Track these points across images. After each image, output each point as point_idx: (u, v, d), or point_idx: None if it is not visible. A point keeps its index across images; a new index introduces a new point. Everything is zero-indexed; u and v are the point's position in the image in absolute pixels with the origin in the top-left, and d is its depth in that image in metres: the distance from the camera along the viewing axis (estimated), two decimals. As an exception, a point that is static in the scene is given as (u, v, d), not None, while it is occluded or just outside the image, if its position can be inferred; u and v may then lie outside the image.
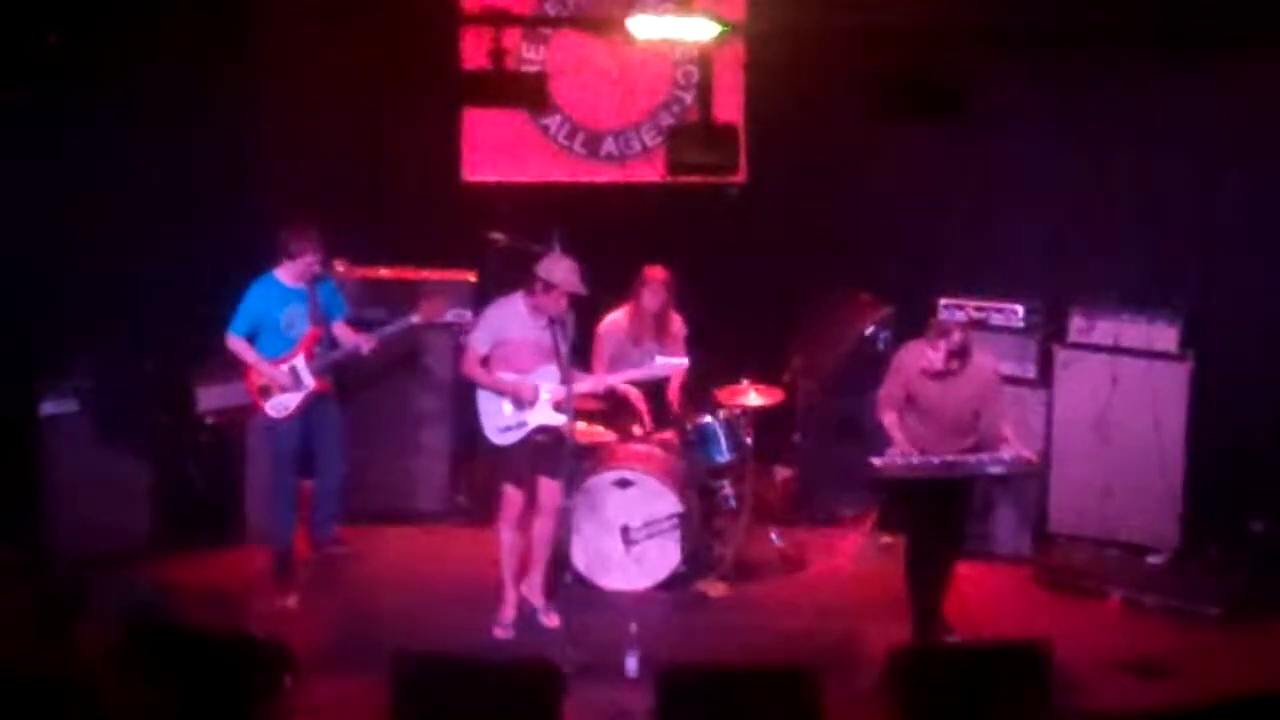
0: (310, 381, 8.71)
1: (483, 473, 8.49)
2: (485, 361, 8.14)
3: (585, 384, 8.31)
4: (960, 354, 7.75)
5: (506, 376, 8.11)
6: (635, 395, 9.16)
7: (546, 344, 8.07)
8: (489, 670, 6.10)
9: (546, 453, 8.15)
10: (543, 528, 8.31)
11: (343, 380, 9.00)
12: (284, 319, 8.67)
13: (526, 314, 8.11)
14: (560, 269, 8.02)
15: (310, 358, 8.72)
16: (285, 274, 8.68)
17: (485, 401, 8.17)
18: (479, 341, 8.17)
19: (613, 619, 8.21)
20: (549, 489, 8.22)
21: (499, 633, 8.20)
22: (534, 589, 8.40)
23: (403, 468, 9.65)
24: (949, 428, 7.92)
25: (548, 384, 8.08)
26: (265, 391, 8.69)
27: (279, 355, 8.67)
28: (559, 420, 8.06)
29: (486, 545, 8.55)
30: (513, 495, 8.20)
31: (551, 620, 8.28)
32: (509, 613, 8.25)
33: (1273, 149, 9.13)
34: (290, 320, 8.69)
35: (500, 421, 8.14)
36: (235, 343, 8.65)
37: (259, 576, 8.78)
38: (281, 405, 8.70)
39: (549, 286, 7.99)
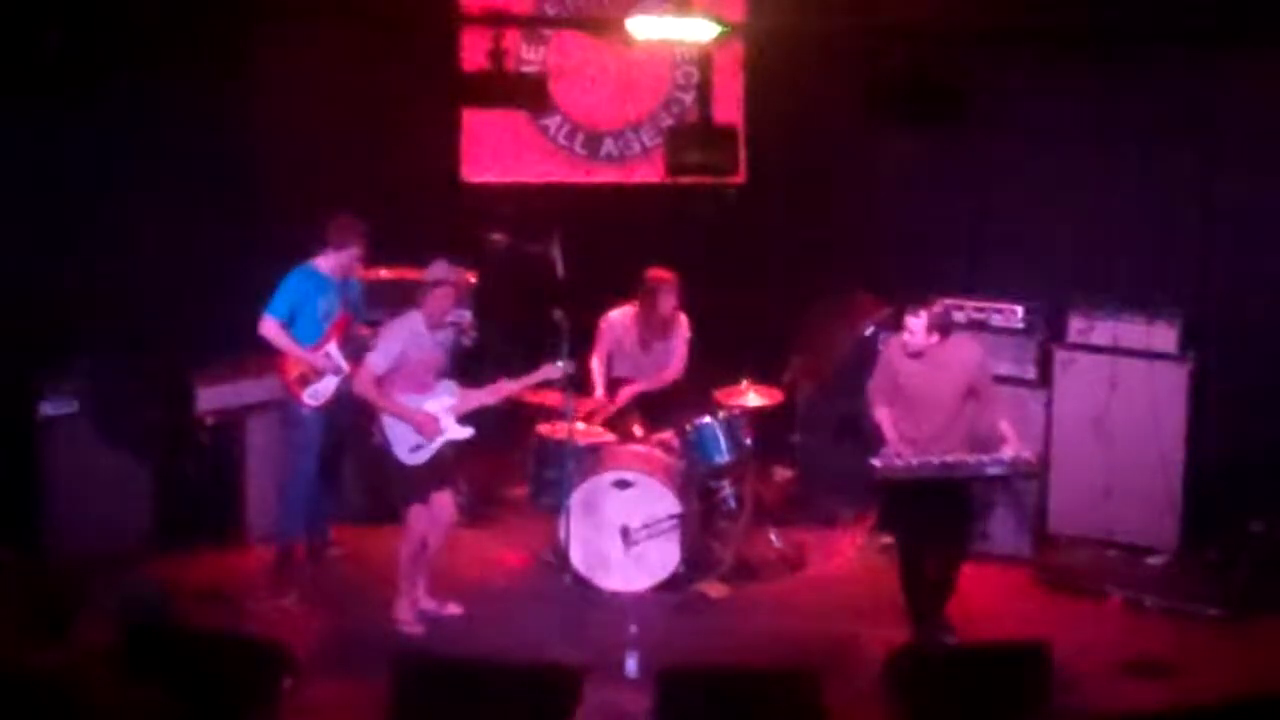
0: (344, 365, 8.73)
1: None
2: (380, 382, 8.04)
3: (479, 397, 8.24)
4: (941, 328, 7.79)
5: (408, 403, 8.06)
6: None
7: (441, 360, 8.15)
8: (493, 671, 6.10)
9: (444, 466, 8.19)
10: (437, 539, 8.27)
11: None
12: (322, 306, 8.69)
13: (425, 333, 8.09)
14: (437, 268, 8.12)
15: (343, 342, 8.74)
16: (325, 264, 8.71)
17: (393, 422, 8.09)
18: (377, 363, 8.03)
19: (613, 619, 8.22)
20: (443, 502, 8.22)
21: (415, 629, 8.18)
22: (424, 595, 8.35)
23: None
24: (936, 416, 7.91)
25: (446, 400, 8.12)
26: (303, 380, 8.70)
27: (313, 343, 8.68)
28: (465, 434, 8.15)
29: (486, 545, 8.56)
30: (420, 513, 8.16)
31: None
32: (411, 610, 8.23)
33: (1273, 149, 9.12)
34: (327, 309, 8.71)
35: (411, 441, 8.10)
36: (271, 327, 8.59)
37: (259, 576, 8.78)
38: (319, 394, 8.72)
39: (437, 282, 8.05)
